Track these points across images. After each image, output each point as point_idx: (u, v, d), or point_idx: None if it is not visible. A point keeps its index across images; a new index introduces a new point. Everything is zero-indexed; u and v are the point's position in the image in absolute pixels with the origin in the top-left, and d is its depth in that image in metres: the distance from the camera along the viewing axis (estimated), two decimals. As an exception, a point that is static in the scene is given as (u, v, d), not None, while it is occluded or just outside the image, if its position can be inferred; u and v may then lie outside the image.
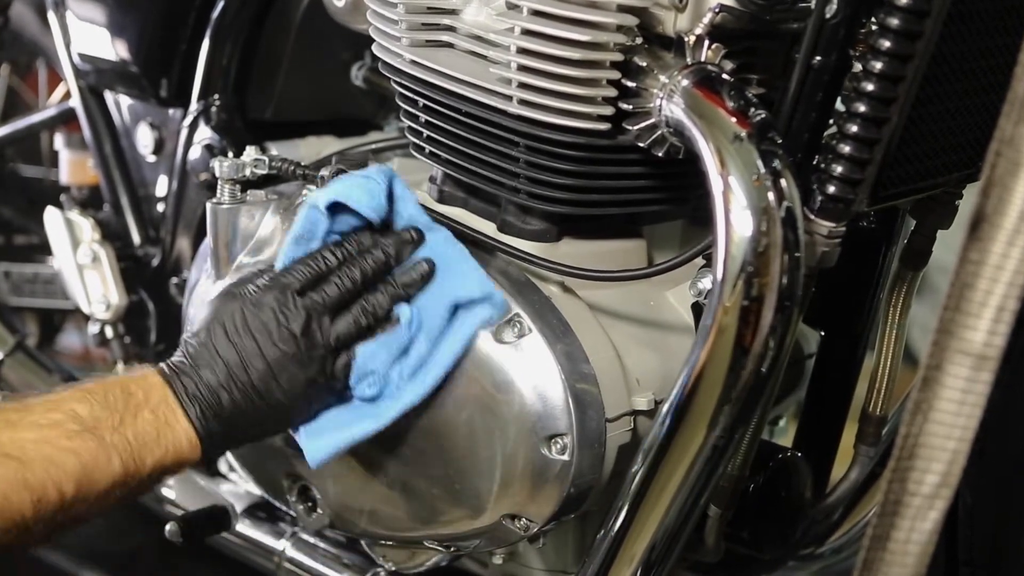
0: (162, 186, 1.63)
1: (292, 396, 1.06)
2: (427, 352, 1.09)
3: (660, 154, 1.05)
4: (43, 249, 1.83)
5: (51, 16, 1.71)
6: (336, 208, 1.10)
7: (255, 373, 1.05)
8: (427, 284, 1.09)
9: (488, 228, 1.16)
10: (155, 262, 1.65)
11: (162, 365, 1.07)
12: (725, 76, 1.01)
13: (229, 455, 1.37)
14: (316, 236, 1.10)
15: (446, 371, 1.09)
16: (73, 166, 1.85)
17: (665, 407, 0.99)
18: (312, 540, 1.47)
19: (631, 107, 1.04)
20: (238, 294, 1.08)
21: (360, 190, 1.09)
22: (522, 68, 1.05)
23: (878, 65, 0.95)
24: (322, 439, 1.10)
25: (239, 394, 1.05)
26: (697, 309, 1.11)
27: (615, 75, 1.04)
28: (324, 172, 1.20)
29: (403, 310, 1.09)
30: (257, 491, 1.40)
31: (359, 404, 1.10)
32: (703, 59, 1.02)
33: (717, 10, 1.01)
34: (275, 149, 1.48)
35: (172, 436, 1.03)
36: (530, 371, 1.07)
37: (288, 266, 1.09)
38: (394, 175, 1.11)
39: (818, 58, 0.98)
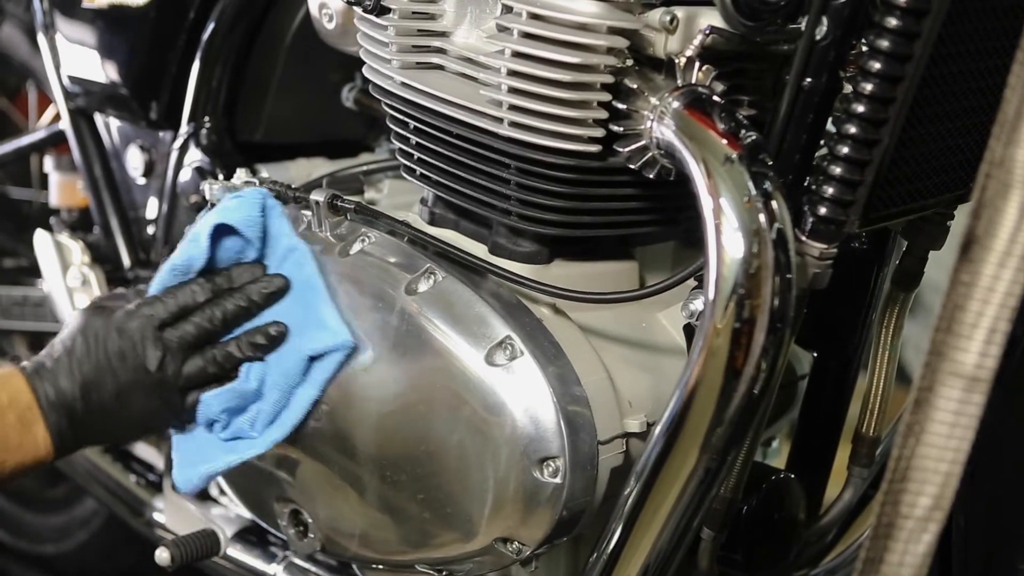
0: (152, 208, 1.63)
1: (141, 418, 1.16)
2: (282, 400, 1.14)
3: (651, 176, 1.05)
4: (32, 272, 1.83)
5: (41, 38, 1.70)
6: (218, 233, 1.14)
7: (107, 394, 1.14)
8: (280, 342, 1.14)
9: (479, 250, 1.16)
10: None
11: (25, 365, 1.15)
12: (716, 98, 1.01)
13: (221, 480, 1.37)
14: (192, 269, 1.16)
15: (305, 413, 1.14)
16: (63, 188, 1.84)
17: (657, 429, 0.99)
18: (303, 564, 1.46)
19: (622, 129, 1.04)
20: (107, 312, 1.15)
21: (235, 212, 1.15)
22: (513, 90, 1.05)
23: (868, 87, 0.95)
24: (190, 469, 1.19)
25: (93, 407, 1.14)
26: (689, 331, 1.10)
27: (606, 97, 1.04)
28: (315, 196, 1.20)
29: (252, 367, 1.15)
30: (248, 515, 1.40)
31: (222, 440, 1.18)
32: (694, 81, 1.02)
33: (707, 32, 1.01)
34: (265, 171, 1.48)
35: (32, 441, 1.12)
36: (522, 394, 1.06)
37: (158, 294, 1.16)
38: (266, 193, 1.17)
39: (808, 80, 0.98)
